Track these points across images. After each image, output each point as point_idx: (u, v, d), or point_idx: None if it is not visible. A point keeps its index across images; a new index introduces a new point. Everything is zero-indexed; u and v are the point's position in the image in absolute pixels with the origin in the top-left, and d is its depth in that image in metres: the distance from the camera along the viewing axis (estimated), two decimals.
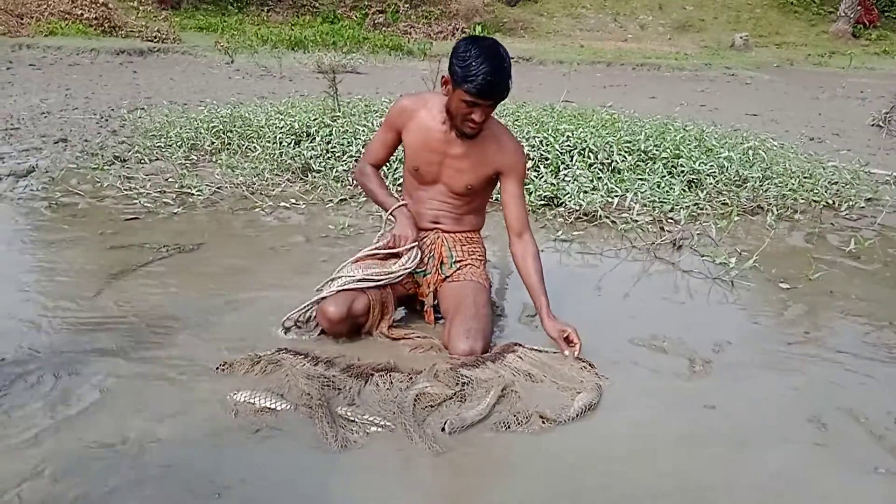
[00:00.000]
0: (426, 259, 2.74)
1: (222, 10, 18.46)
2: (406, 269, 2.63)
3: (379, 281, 2.59)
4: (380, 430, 2.07)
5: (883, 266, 3.66)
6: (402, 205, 2.65)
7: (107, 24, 14.73)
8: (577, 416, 2.15)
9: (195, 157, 5.30)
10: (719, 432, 2.12)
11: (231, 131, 5.64)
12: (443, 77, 2.43)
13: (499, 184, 2.70)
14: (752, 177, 4.79)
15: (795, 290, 3.27)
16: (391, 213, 2.71)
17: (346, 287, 2.54)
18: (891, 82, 13.54)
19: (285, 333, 2.64)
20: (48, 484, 1.76)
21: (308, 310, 2.62)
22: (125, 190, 4.46)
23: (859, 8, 19.95)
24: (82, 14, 14.86)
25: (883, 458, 2.01)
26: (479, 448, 2.00)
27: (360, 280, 2.57)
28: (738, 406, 2.26)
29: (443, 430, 2.06)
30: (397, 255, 2.66)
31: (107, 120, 6.92)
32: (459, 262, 2.75)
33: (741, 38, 19.09)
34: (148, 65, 12.45)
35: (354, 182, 2.75)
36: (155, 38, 14.52)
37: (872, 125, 8.46)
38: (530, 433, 2.07)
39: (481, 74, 2.27)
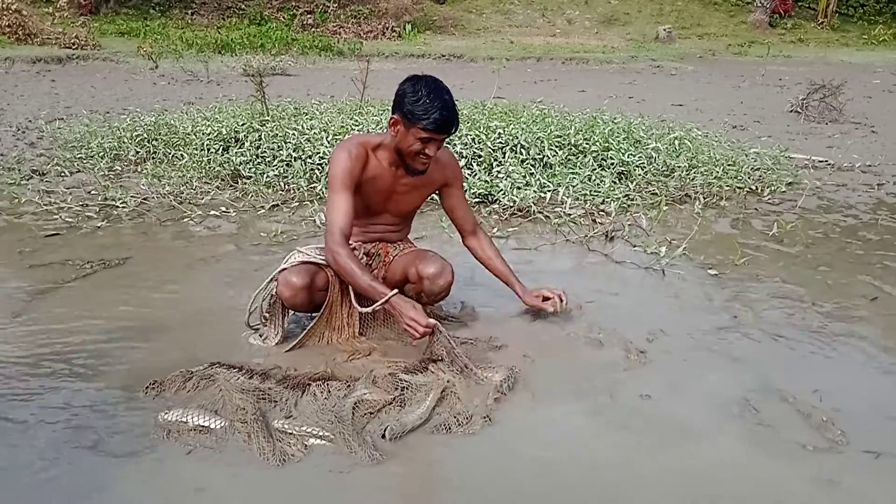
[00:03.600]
0: (373, 259, 2.74)
1: (144, 14, 17.94)
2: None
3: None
4: (319, 441, 2.03)
5: (804, 248, 3.79)
6: (396, 292, 2.41)
7: (21, 32, 14.14)
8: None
9: (119, 168, 5.13)
10: (655, 421, 2.15)
11: (156, 140, 5.48)
12: (391, 119, 2.44)
13: (439, 193, 2.79)
14: (679, 166, 4.91)
15: (723, 276, 3.36)
16: (386, 302, 2.41)
17: (307, 260, 2.56)
18: (806, 69, 14.09)
19: (251, 328, 2.65)
20: None
21: (268, 290, 2.59)
22: (45, 205, 4.28)
23: None
24: None
25: (811, 436, 2.07)
26: (420, 453, 1.99)
27: (320, 252, 2.57)
28: (673, 394, 2.31)
29: (383, 436, 2.04)
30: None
31: (24, 132, 6.64)
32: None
33: (665, 30, 19.53)
34: (67, 73, 12.00)
35: (327, 263, 2.45)
36: (73, 44, 14.01)
37: (791, 111, 8.77)
38: (470, 434, 2.07)
39: (436, 110, 2.35)
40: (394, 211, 2.70)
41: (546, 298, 2.77)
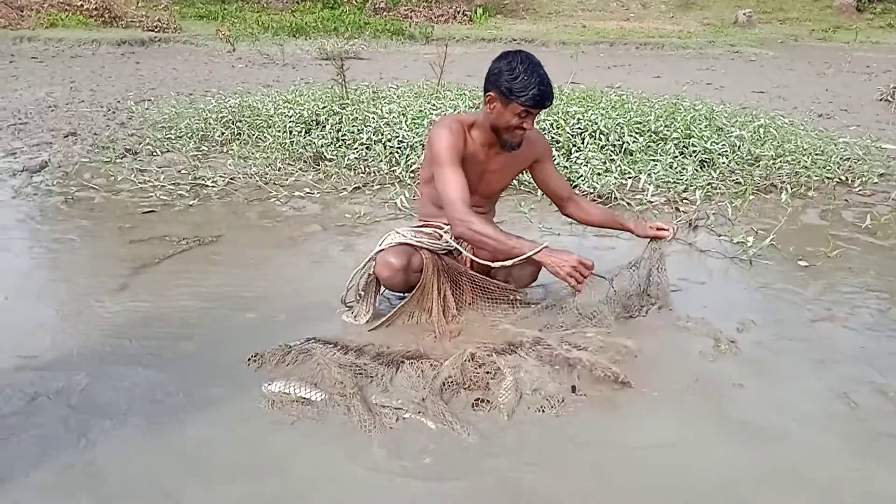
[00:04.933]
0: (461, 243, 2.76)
1: None
2: (447, 247, 2.67)
3: (429, 245, 2.64)
4: (414, 416, 2.09)
5: None
6: (545, 245, 2.42)
7: (107, 15, 14.71)
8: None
9: (206, 148, 5.31)
10: (748, 412, 2.14)
11: (240, 121, 5.64)
12: (487, 96, 2.48)
13: (531, 170, 2.82)
14: (765, 155, 4.79)
15: (814, 267, 3.29)
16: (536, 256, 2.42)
17: (404, 241, 2.62)
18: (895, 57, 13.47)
19: (347, 307, 2.74)
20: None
21: (366, 269, 2.66)
22: (139, 183, 4.48)
23: None
24: (82, 5, 14.84)
25: None
26: (507, 435, 2.03)
27: (415, 235, 2.64)
28: (766, 385, 2.28)
29: (473, 407, 2.11)
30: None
31: (114, 112, 6.93)
32: None
33: (744, 14, 18.95)
34: (150, 55, 12.42)
35: (458, 236, 2.53)
36: (156, 27, 14.48)
37: (880, 100, 8.43)
38: (561, 415, 2.10)
39: (534, 86, 2.39)
40: (484, 191, 2.72)
41: (661, 229, 2.80)
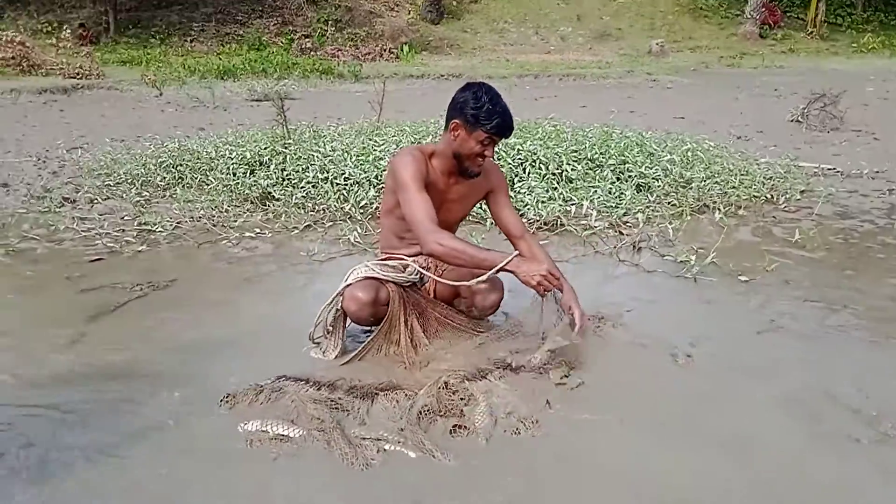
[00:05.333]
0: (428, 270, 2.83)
1: (144, 43, 18.14)
2: (411, 279, 2.76)
3: (395, 278, 2.71)
4: (394, 447, 2.13)
5: (827, 253, 3.92)
6: (516, 254, 2.54)
7: (25, 63, 14.32)
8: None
9: (148, 194, 5.24)
10: (710, 422, 2.26)
11: (181, 165, 5.60)
12: (452, 124, 2.58)
13: (487, 201, 2.89)
14: (696, 177, 5.04)
15: (754, 281, 3.49)
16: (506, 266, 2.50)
17: (371, 276, 2.67)
18: (799, 79, 14.29)
19: (315, 343, 2.76)
20: None
21: (333, 304, 2.70)
22: (82, 231, 4.39)
23: (763, 10, 20.99)
24: None
25: (864, 430, 2.19)
26: (486, 458, 2.09)
27: (381, 268, 2.70)
28: (725, 395, 2.42)
29: (450, 433, 2.19)
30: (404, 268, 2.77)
31: (44, 161, 6.75)
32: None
33: (657, 44, 19.81)
34: (74, 102, 12.13)
35: (430, 254, 2.55)
36: (77, 74, 14.16)
37: (792, 121, 8.94)
38: (536, 436, 2.18)
39: (498, 116, 2.53)
40: (444, 221, 2.77)
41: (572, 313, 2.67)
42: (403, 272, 2.76)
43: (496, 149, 5.02)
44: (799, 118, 8.89)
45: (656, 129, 7.39)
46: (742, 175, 5.27)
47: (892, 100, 11.64)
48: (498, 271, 2.49)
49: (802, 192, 5.18)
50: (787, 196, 5.01)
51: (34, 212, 4.85)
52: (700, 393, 2.42)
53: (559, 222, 4.33)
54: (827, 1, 21.41)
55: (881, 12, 22.09)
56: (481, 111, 2.51)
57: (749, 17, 21.09)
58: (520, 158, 5.12)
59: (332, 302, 2.72)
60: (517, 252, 2.55)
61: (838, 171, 5.94)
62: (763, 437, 2.17)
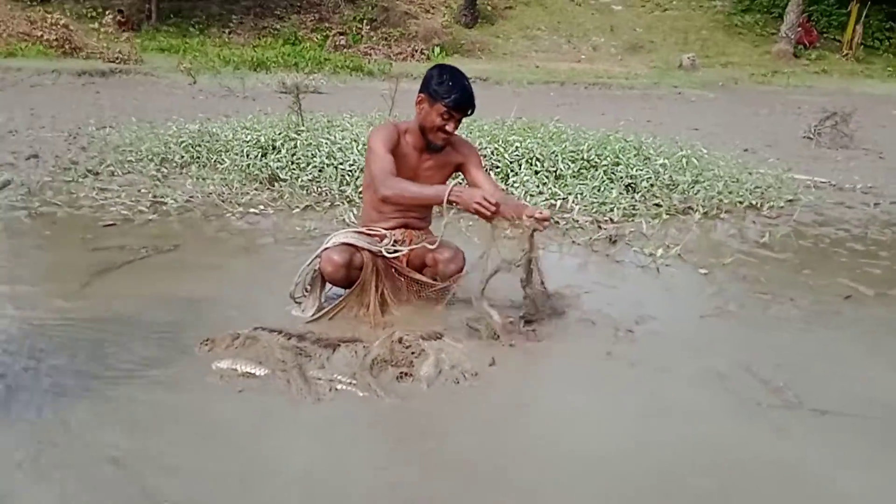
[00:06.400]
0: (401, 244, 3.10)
1: (183, 32, 18.68)
2: (385, 248, 3.01)
3: (369, 246, 2.97)
4: (345, 387, 2.41)
5: (793, 254, 4.12)
6: (456, 183, 2.82)
7: (67, 46, 14.86)
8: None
9: (166, 170, 5.57)
10: (636, 387, 2.51)
11: (200, 145, 5.93)
12: (418, 97, 2.89)
13: (463, 174, 3.14)
14: (683, 181, 5.25)
15: (712, 274, 3.71)
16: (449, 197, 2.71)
17: (347, 242, 2.94)
18: (826, 99, 14.32)
19: (295, 301, 3.02)
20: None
21: (311, 266, 2.97)
22: (100, 200, 4.73)
23: (800, 29, 20.95)
24: (42, 35, 14.98)
25: (768, 397, 2.42)
26: (424, 400, 2.36)
27: (356, 236, 2.97)
28: (654, 365, 2.66)
29: (398, 378, 2.47)
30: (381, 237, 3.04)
31: (75, 137, 7.14)
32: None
33: (688, 58, 19.89)
34: (110, 85, 12.62)
35: (384, 199, 2.82)
36: (116, 59, 14.67)
37: (804, 137, 9.06)
38: (473, 387, 2.43)
39: (457, 92, 2.82)
40: None
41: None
42: (380, 242, 3.03)
43: (491, 145, 5.34)
44: (810, 135, 9.00)
45: (665, 137, 7.57)
46: (731, 182, 5.46)
47: None
48: (447, 204, 2.68)
49: (790, 201, 5.36)
50: (772, 204, 5.19)
51: (59, 181, 5.21)
52: (631, 362, 2.65)
53: None
54: (865, 24, 21.28)
55: None
56: (441, 87, 2.81)
57: (784, 35, 21.03)
58: (516, 155, 5.37)
59: (310, 264, 3.00)
60: (455, 182, 2.81)
61: (831, 185, 6.10)
62: (679, 402, 2.41)
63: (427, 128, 2.90)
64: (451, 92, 2.80)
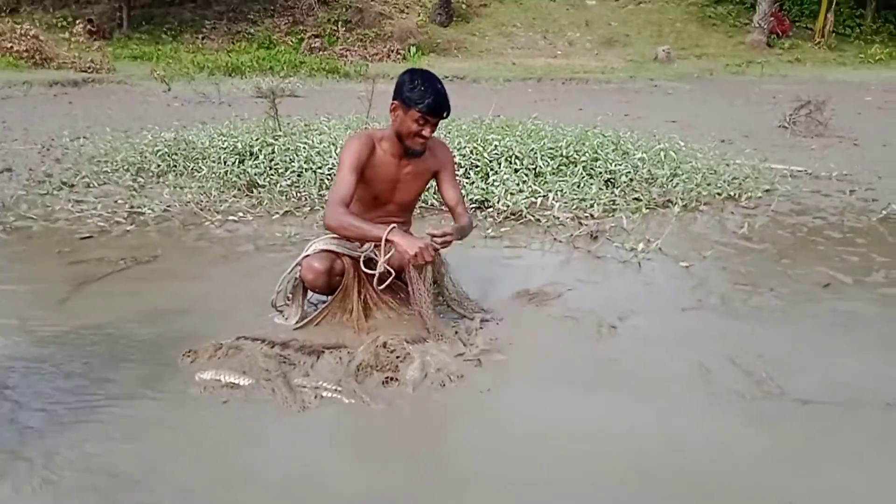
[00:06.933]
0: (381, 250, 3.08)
1: (156, 39, 18.53)
2: (366, 254, 2.97)
3: (349, 252, 2.95)
4: (331, 394, 2.40)
5: (771, 244, 4.16)
6: (393, 227, 2.78)
7: (38, 56, 14.69)
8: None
9: (142, 180, 5.52)
10: (620, 381, 2.52)
11: (176, 154, 5.88)
12: (392, 104, 2.85)
13: (436, 180, 3.13)
14: (661, 174, 5.28)
15: (693, 267, 3.73)
16: (387, 238, 2.74)
17: (328, 248, 2.92)
18: (800, 88, 14.46)
19: (277, 310, 3.01)
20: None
21: (292, 274, 2.95)
22: (76, 212, 4.68)
23: (772, 19, 21.14)
24: (12, 47, 14.79)
25: (751, 388, 2.44)
26: (411, 404, 2.35)
27: (336, 242, 2.93)
28: (637, 359, 2.67)
29: (383, 383, 2.46)
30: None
31: (49, 149, 7.05)
32: None
33: (664, 51, 20.02)
34: (83, 95, 12.49)
35: (326, 227, 2.83)
36: (89, 68, 14.53)
37: (779, 127, 9.15)
38: (459, 388, 2.43)
39: (430, 96, 2.75)
40: (398, 200, 3.05)
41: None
42: (361, 248, 3.01)
43: (470, 144, 5.33)
44: (785, 124, 9.09)
45: (643, 130, 7.60)
46: (709, 174, 5.50)
47: (886, 109, 11.81)
48: (386, 244, 2.71)
49: (767, 191, 5.41)
50: (750, 194, 5.24)
51: (33, 194, 5.15)
52: (614, 358, 2.67)
53: (523, 213, 4.58)
54: (836, 12, 21.52)
55: (891, 24, 22.15)
56: (414, 92, 2.76)
57: (757, 25, 21.21)
58: (496, 153, 5.37)
59: (291, 271, 2.98)
60: (394, 226, 2.74)
61: (807, 173, 6.16)
62: (663, 396, 2.42)
63: (403, 134, 2.86)
64: (424, 97, 2.75)
